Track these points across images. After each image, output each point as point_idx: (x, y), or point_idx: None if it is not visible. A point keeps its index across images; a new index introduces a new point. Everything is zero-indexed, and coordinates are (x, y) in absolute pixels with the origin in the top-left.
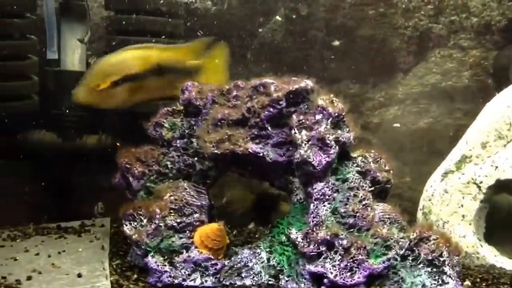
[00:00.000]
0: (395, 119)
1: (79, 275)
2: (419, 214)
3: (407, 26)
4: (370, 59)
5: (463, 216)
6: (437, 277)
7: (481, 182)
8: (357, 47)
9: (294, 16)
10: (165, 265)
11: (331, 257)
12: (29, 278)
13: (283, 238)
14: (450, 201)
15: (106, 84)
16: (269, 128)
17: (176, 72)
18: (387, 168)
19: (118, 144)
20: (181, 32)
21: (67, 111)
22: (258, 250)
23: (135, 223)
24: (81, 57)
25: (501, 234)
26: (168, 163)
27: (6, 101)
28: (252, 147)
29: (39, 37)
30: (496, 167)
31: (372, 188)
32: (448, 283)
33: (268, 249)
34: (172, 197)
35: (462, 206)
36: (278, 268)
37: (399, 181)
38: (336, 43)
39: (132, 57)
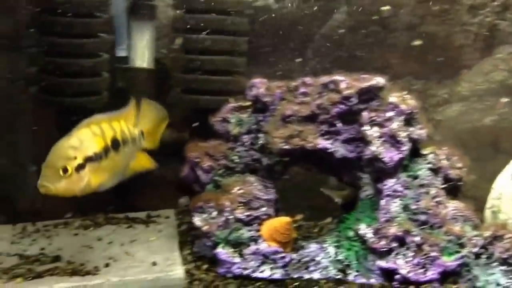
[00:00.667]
0: (459, 116)
1: (154, 263)
2: (487, 213)
3: (472, 22)
4: (434, 56)
5: None
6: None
7: None
8: (421, 44)
9: (355, 13)
10: (235, 257)
11: (403, 253)
12: (106, 265)
13: (351, 233)
14: None
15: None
16: (339, 124)
17: (128, 142)
18: (459, 165)
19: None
20: (247, 29)
21: None
22: (325, 245)
23: (205, 215)
24: (149, 54)
25: None
26: (236, 157)
27: (77, 96)
28: (322, 143)
29: (109, 35)
30: None
31: (445, 186)
32: None
33: (335, 244)
34: (240, 191)
35: None
36: (346, 263)
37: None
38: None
39: (90, 136)
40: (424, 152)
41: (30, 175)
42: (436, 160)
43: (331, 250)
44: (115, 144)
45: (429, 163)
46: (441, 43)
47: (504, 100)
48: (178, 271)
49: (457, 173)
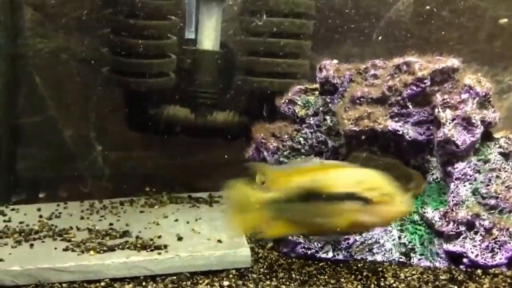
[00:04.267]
0: None
1: (220, 241)
2: None
3: None
4: (500, 41)
5: None
6: None
7: None
8: (487, 29)
9: None
10: (299, 237)
11: (471, 237)
12: (178, 239)
13: (416, 217)
14: None
15: None
16: (411, 106)
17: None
18: None
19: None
20: (313, 12)
21: (201, 88)
22: (389, 228)
23: None
24: (216, 37)
25: None
26: (301, 139)
27: (146, 77)
28: (392, 124)
29: (179, 17)
30: None
31: None
32: None
33: (399, 228)
34: None
35: None
36: (410, 246)
37: None
38: (504, 20)
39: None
40: (496, 136)
41: (97, 154)
42: (508, 144)
43: (395, 233)
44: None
45: (500, 147)
46: (508, 27)
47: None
48: (245, 248)
49: None
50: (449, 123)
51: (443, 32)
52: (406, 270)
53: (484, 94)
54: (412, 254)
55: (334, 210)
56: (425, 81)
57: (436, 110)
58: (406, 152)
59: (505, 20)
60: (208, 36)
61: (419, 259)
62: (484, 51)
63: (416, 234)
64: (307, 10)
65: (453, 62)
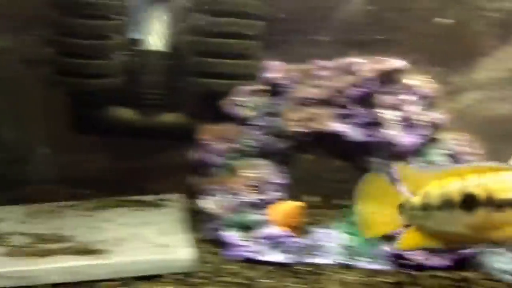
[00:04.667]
0: (476, 105)
1: (163, 245)
2: None
3: (491, 8)
4: (451, 42)
5: None
6: None
7: None
8: (438, 30)
9: None
10: (244, 240)
11: None
12: (117, 245)
13: None
14: None
15: None
16: (356, 107)
17: None
18: (478, 152)
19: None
20: (262, 13)
21: (147, 89)
22: (336, 230)
23: (215, 198)
24: (162, 37)
25: None
26: (249, 141)
27: (91, 78)
28: (337, 126)
29: (124, 17)
30: None
31: None
32: None
33: (346, 230)
34: (252, 174)
35: None
36: (356, 249)
37: None
38: (444, 20)
39: None
40: (442, 137)
41: (40, 157)
42: (453, 145)
43: (342, 236)
44: None
45: (446, 148)
46: (458, 29)
47: None
48: (188, 252)
49: (473, 160)
50: (394, 124)
51: (394, 33)
52: (352, 273)
53: (428, 95)
54: (358, 257)
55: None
56: (370, 82)
57: (381, 111)
58: (352, 154)
59: (445, 20)
60: (155, 36)
61: (366, 262)
62: (435, 52)
63: (362, 237)
64: (255, 10)
65: (398, 63)
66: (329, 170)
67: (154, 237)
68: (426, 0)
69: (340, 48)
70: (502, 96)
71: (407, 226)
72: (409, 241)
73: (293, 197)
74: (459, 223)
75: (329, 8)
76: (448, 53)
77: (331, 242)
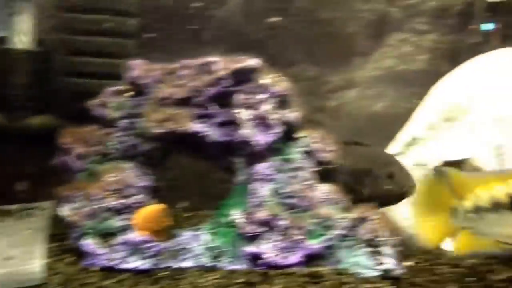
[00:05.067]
0: (353, 102)
1: (10, 257)
2: None
3: (365, 9)
4: (328, 42)
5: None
6: (375, 257)
7: (427, 164)
8: (315, 30)
9: None
10: (101, 248)
11: (270, 237)
12: None
13: (226, 219)
14: None
15: None
16: (213, 107)
17: None
18: (332, 148)
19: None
20: (136, 10)
21: (15, 90)
22: (201, 232)
23: (73, 205)
24: (29, 35)
25: None
26: (112, 143)
27: None
28: (195, 126)
29: None
30: (442, 148)
31: (317, 169)
32: (386, 263)
33: (211, 231)
34: (113, 178)
35: None
36: (220, 250)
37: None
38: (276, 19)
39: None
40: (298, 135)
41: None
42: (309, 143)
43: (206, 237)
44: None
45: (302, 146)
46: (334, 30)
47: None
48: (35, 264)
49: (329, 156)
50: (247, 123)
51: (274, 32)
52: (208, 275)
53: (281, 94)
54: (222, 258)
55: None
56: (225, 81)
57: (236, 110)
58: (214, 154)
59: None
60: (21, 34)
61: (228, 263)
62: (313, 52)
63: (227, 237)
64: (129, 7)
65: (252, 62)
66: (197, 172)
67: (5, 250)
68: (302, 0)
69: (219, 47)
70: (377, 94)
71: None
72: (464, 245)
73: (161, 200)
74: (508, 224)
75: (207, 7)
76: (326, 53)
77: (195, 245)
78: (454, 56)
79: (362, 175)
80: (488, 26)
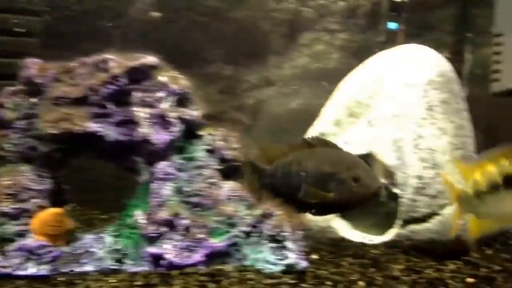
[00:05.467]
0: (269, 100)
1: None
2: None
3: (277, 9)
4: (243, 41)
5: None
6: (279, 253)
7: None
8: (230, 29)
9: None
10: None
11: (171, 237)
12: None
13: (130, 220)
14: None
15: None
16: (110, 106)
17: None
18: (236, 146)
19: None
20: (39, 8)
21: None
22: (103, 234)
23: None
24: None
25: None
26: (9, 145)
27: None
28: (92, 126)
29: None
30: (348, 143)
31: (221, 167)
32: (289, 257)
33: (114, 233)
34: (7, 182)
35: None
36: (124, 252)
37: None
38: (156, 14)
39: None
40: (201, 133)
41: None
42: (212, 141)
43: (109, 239)
44: None
45: (205, 144)
46: (249, 29)
47: None
48: None
49: (233, 154)
50: (146, 122)
51: (188, 32)
52: (107, 279)
53: (180, 91)
54: (125, 260)
55: None
56: (121, 78)
57: (134, 109)
58: (113, 154)
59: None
60: None
61: (130, 265)
62: (229, 51)
63: (130, 239)
64: (31, 5)
65: (148, 59)
66: (100, 173)
67: None
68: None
69: (130, 45)
70: (293, 92)
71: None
72: (475, 229)
73: (61, 202)
74: (507, 202)
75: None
76: (242, 52)
77: (97, 248)
78: (364, 54)
79: (327, 179)
80: (393, 25)
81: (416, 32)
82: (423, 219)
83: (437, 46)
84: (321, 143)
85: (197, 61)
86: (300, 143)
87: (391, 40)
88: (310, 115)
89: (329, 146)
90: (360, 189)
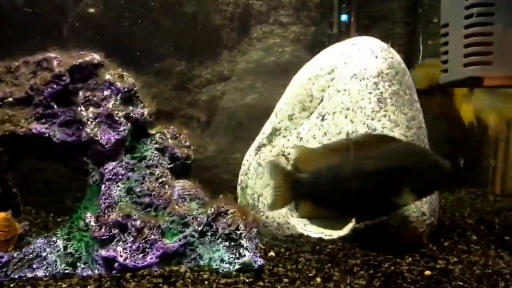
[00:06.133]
0: (223, 96)
1: None
2: (238, 189)
3: (228, 2)
4: (194, 36)
5: None
6: (234, 251)
7: (288, 154)
8: (180, 24)
9: None
10: None
11: (123, 239)
12: None
13: (82, 223)
14: (263, 174)
15: None
16: (55, 106)
17: None
18: (187, 144)
19: None
20: None
21: None
22: (54, 238)
23: None
24: None
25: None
26: None
27: None
28: (36, 127)
29: None
30: (301, 138)
31: (172, 165)
32: (245, 255)
33: (66, 236)
34: None
35: None
36: (76, 255)
37: (229, 157)
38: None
39: None
40: (151, 132)
41: None
42: (163, 140)
43: (61, 243)
44: None
45: (156, 143)
46: (200, 23)
47: None
48: None
49: (184, 152)
50: (92, 121)
51: (136, 28)
52: (58, 284)
53: (126, 89)
54: (78, 264)
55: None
56: (64, 77)
57: (79, 108)
58: (61, 156)
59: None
60: None
61: (83, 268)
62: (181, 46)
63: (82, 242)
64: None
65: (93, 57)
66: (50, 175)
67: None
68: None
69: (80, 42)
70: (245, 86)
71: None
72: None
73: (10, 207)
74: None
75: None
76: (194, 47)
77: (48, 252)
78: (316, 47)
79: (403, 175)
80: (345, 17)
81: (368, 24)
82: None
83: (389, 37)
84: (372, 138)
85: (148, 58)
86: (341, 144)
87: (343, 32)
88: (265, 110)
89: (382, 140)
90: (438, 173)
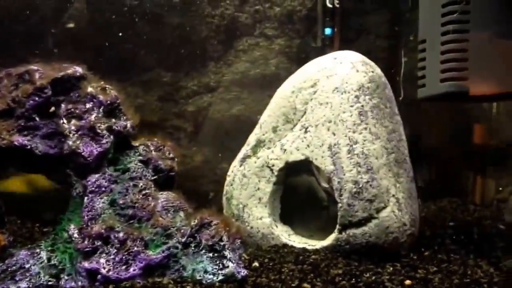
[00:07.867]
0: (210, 107)
1: None
2: (224, 200)
3: (214, 14)
4: (180, 48)
5: (259, 198)
6: (218, 262)
7: (273, 165)
8: (166, 36)
9: (95, 3)
10: None
11: (106, 251)
12: None
13: (65, 235)
14: (248, 185)
15: None
16: (37, 118)
17: None
18: (170, 156)
19: None
20: None
21: None
22: (38, 250)
23: None
24: None
25: (300, 213)
26: None
27: None
28: (18, 139)
29: None
30: (285, 150)
31: (155, 177)
32: (228, 266)
33: (49, 248)
34: None
35: (258, 189)
36: (60, 267)
37: (216, 168)
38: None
39: None
40: (135, 144)
41: None
42: (146, 152)
43: (44, 254)
44: None
45: (140, 155)
46: (186, 35)
47: None
48: None
49: (167, 164)
50: (74, 134)
51: (122, 39)
52: None
53: (109, 102)
54: (61, 276)
55: None
56: (46, 90)
57: (61, 121)
58: (43, 168)
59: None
60: None
61: (66, 280)
62: (166, 58)
63: (66, 253)
64: None
65: (75, 69)
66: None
67: None
68: (149, 4)
69: (67, 54)
70: (231, 97)
71: None
72: None
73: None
74: None
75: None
76: (180, 58)
77: (32, 264)
78: (301, 60)
79: None
80: (329, 31)
81: (352, 37)
82: (360, 223)
83: (372, 50)
84: None
85: (134, 69)
86: None
87: (327, 45)
88: (251, 121)
89: None
90: None
